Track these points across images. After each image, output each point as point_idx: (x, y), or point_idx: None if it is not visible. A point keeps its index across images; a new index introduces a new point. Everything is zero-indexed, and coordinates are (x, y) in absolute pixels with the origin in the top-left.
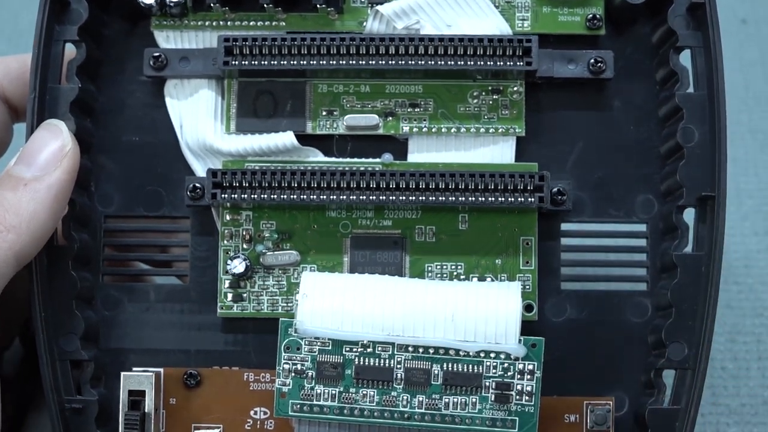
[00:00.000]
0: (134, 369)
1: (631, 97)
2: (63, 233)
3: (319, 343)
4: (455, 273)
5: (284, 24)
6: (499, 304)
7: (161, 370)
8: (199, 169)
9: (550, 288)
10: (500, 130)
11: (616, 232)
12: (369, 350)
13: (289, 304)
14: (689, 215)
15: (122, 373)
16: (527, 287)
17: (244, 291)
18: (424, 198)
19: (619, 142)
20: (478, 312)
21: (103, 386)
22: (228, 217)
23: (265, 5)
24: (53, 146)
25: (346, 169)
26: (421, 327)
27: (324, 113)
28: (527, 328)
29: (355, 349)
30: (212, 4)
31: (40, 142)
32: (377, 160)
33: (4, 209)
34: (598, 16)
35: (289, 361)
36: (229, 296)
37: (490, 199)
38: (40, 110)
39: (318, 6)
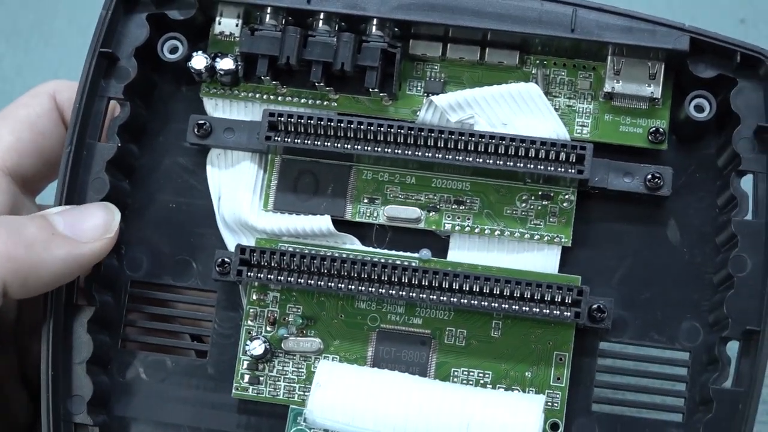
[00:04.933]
0: None
1: (688, 217)
2: (84, 293)
3: None
4: (482, 381)
5: (336, 105)
6: (518, 418)
7: None
8: (232, 244)
9: (579, 407)
10: (546, 238)
11: (656, 357)
12: None
13: (306, 393)
14: (735, 348)
15: None
16: (555, 405)
17: (261, 374)
18: (457, 300)
19: (670, 263)
20: (495, 423)
21: None
22: (254, 297)
23: (316, 83)
24: (98, 222)
25: (381, 261)
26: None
27: (365, 200)
28: None
29: None
30: (262, 77)
31: (90, 211)
32: (415, 255)
33: (17, 238)
34: (661, 130)
35: None
36: (246, 378)
37: (524, 308)
38: (75, 165)
39: (370, 90)
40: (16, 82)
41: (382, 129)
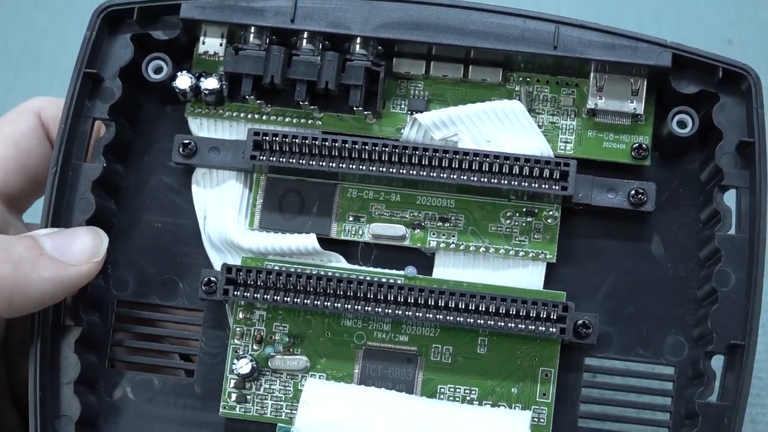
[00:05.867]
0: None
1: (672, 232)
2: (71, 313)
3: None
4: (468, 397)
5: (320, 123)
6: None
7: None
8: (218, 263)
9: (565, 423)
10: (530, 254)
11: (642, 372)
12: None
13: (293, 411)
14: (720, 362)
15: None
16: (541, 420)
17: (249, 392)
18: (443, 317)
19: (654, 278)
20: None
21: None
22: (241, 315)
23: (300, 102)
24: (86, 246)
25: (366, 279)
26: None
27: (350, 218)
28: None
29: None
30: (247, 96)
31: (79, 235)
32: (400, 272)
33: (4, 255)
34: (644, 145)
35: None
36: (233, 396)
37: (510, 324)
38: (61, 186)
39: (355, 108)
40: (6, 103)
41: (366, 147)
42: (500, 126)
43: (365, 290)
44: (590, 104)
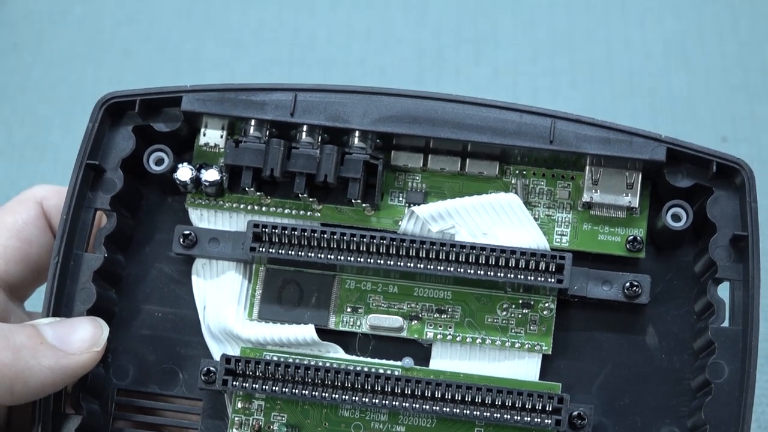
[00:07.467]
0: None
1: (666, 324)
2: (72, 401)
3: None
4: None
5: (319, 215)
6: None
7: None
8: (217, 353)
9: None
10: (526, 346)
11: None
12: None
13: None
14: None
15: None
16: None
17: None
18: (439, 408)
19: (649, 369)
20: None
21: None
22: (240, 405)
23: (299, 194)
24: (87, 336)
25: (364, 370)
26: None
27: (349, 310)
28: None
29: None
30: (247, 188)
31: (79, 325)
32: (397, 363)
33: (5, 344)
34: (639, 238)
35: None
36: None
37: (506, 416)
38: (62, 276)
39: (353, 201)
40: (10, 194)
41: (364, 240)
42: (497, 219)
43: (363, 381)
44: (586, 197)
